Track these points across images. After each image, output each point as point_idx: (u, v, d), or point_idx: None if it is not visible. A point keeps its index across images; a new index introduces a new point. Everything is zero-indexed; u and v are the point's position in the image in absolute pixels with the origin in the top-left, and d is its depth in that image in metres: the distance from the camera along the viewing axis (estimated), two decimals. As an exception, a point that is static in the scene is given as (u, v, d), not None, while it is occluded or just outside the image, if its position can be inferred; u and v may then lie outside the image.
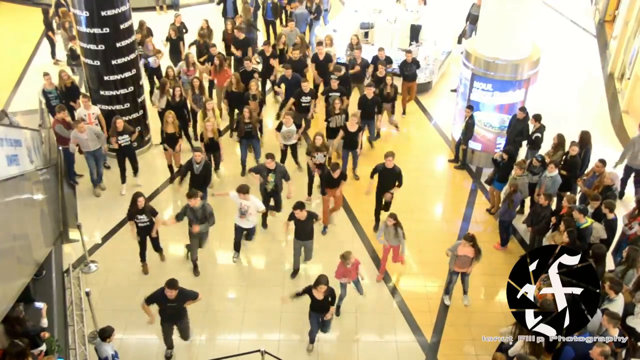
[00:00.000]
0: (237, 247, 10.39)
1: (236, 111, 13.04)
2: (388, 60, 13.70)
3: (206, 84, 13.74)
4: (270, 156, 10.30)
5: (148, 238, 9.89)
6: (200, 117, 12.95)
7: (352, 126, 11.56)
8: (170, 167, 12.21)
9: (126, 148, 11.53)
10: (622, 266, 8.52)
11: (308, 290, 8.36)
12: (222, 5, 16.82)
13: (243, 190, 9.70)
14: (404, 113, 14.39)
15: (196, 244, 9.94)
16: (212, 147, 11.55)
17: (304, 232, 9.66)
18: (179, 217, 9.64)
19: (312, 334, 8.81)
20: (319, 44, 13.96)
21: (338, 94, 12.38)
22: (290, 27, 14.99)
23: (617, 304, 7.72)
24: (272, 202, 10.79)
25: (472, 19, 15.96)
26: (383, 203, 10.82)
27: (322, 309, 8.44)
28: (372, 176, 10.58)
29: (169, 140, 11.70)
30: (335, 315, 9.18)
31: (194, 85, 12.70)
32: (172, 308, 8.15)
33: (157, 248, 10.21)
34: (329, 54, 13.77)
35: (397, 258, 9.90)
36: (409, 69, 13.74)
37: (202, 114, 12.76)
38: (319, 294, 8.24)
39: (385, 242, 9.68)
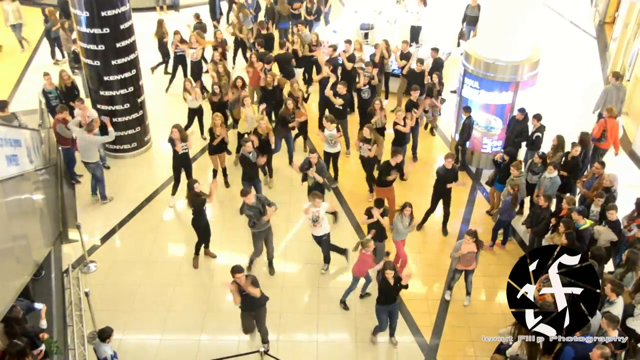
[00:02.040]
0: (327, 259, 10.12)
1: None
2: (405, 57, 13.63)
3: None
4: (313, 150, 10.20)
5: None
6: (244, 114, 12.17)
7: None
8: (215, 171, 11.88)
9: (185, 156, 11.23)
10: (621, 268, 8.52)
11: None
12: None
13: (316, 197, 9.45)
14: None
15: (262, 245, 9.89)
16: (265, 147, 11.21)
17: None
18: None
19: (380, 330, 8.82)
20: (347, 42, 13.82)
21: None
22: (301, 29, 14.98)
23: (618, 307, 7.71)
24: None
25: (469, 20, 16.00)
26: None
27: (393, 298, 8.35)
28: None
29: (220, 146, 11.46)
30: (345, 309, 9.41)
31: (237, 84, 12.41)
32: (245, 297, 8.10)
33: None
34: (354, 54, 13.65)
35: (401, 251, 9.84)
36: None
37: (243, 112, 12.03)
38: (390, 280, 8.14)
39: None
